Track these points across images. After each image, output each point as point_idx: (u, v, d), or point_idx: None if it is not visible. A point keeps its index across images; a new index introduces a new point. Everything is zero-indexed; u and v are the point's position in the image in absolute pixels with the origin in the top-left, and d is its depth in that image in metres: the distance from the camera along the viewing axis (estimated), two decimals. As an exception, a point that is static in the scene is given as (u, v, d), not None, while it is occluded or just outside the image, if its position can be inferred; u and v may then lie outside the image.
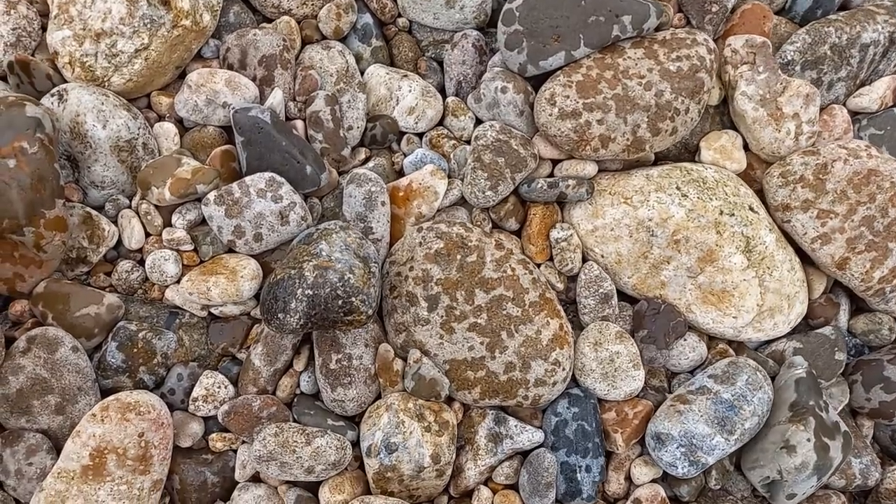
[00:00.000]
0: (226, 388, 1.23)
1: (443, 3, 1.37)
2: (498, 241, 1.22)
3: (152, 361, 1.20)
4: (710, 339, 1.33)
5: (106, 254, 1.28)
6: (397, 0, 1.42)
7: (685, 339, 1.29)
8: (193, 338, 1.25)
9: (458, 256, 1.20)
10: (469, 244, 1.20)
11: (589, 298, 1.28)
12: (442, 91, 1.39)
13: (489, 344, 1.19)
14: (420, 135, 1.38)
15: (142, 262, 1.28)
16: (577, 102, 1.24)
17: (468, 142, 1.36)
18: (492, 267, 1.20)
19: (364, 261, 1.15)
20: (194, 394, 1.21)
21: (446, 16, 1.38)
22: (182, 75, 1.35)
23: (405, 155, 1.37)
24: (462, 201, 1.34)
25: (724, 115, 1.43)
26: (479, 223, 1.30)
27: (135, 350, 1.19)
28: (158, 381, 1.22)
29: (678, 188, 1.28)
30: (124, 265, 1.26)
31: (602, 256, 1.30)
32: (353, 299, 1.10)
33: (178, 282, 1.26)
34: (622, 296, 1.33)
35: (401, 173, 1.37)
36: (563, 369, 1.22)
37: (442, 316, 1.20)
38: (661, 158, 1.41)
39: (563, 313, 1.24)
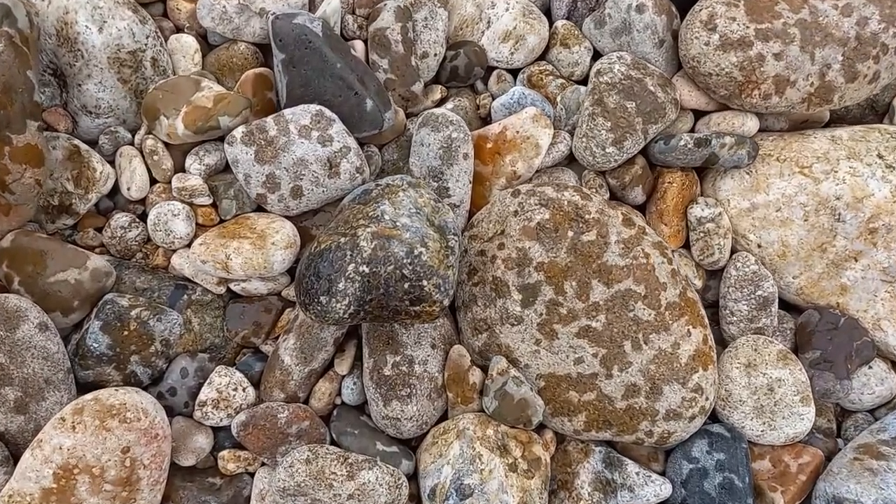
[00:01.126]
0: (244, 390, 0.92)
1: None
2: (626, 216, 0.88)
3: (149, 349, 0.90)
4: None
5: (98, 203, 0.98)
6: None
7: (870, 367, 0.94)
8: (205, 321, 0.95)
9: (570, 233, 0.87)
10: (586, 216, 0.87)
11: (740, 303, 0.94)
12: (548, 13, 1.05)
13: (606, 357, 0.87)
14: (515, 71, 1.05)
15: (143, 217, 0.97)
16: (747, 28, 0.89)
17: (582, 81, 1.02)
18: (617, 250, 0.86)
19: (440, 231, 0.82)
20: (202, 396, 0.91)
21: (560, -88, 1.04)
22: (209, -24, 1.03)
23: (493, 97, 1.03)
24: (569, 161, 1.00)
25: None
26: (594, 191, 0.96)
27: (126, 333, 0.89)
28: (155, 376, 0.92)
29: (880, 156, 0.92)
30: (120, 219, 0.95)
31: (759, 246, 0.96)
32: (425, 283, 0.78)
33: (188, 245, 0.95)
34: (781, 303, 0.98)
35: (486, 121, 1.04)
36: (706, 398, 0.88)
37: (541, 314, 0.88)
38: (834, 120, 1.05)
39: (706, 321, 0.90)
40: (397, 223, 0.82)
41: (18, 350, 0.84)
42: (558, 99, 1.00)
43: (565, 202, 0.88)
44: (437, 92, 1.05)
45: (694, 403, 0.87)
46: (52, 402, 0.86)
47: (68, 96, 0.97)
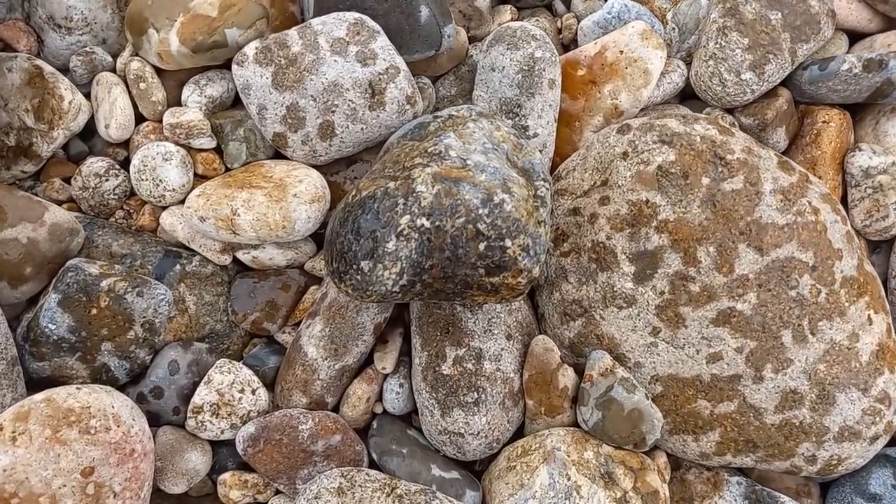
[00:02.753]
0: (254, 392, 0.69)
1: None
2: (782, 159, 0.65)
3: (126, 335, 0.67)
4: None
5: (67, 144, 0.76)
6: None
7: None
8: (204, 300, 0.72)
9: (706, 180, 0.63)
10: (728, 157, 0.64)
11: (924, 282, 0.70)
12: (651, -90, 0.83)
13: (756, 353, 0.63)
14: (607, -15, 0.82)
15: (126, 164, 0.75)
16: None
17: (699, -7, 0.80)
18: (774, 203, 0.63)
19: (526, 175, 0.60)
20: (197, 399, 0.68)
21: None
22: None
23: (579, 19, 0.81)
24: (684, 97, 0.77)
25: None
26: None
27: (94, 311, 0.66)
28: (136, 371, 0.69)
29: None
30: (95, 165, 0.73)
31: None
32: (508, 243, 0.57)
33: (183, 201, 0.73)
34: (972, 283, 0.74)
35: (569, 49, 0.81)
36: (894, 411, 0.64)
37: (663, 293, 0.64)
38: None
39: (888, 305, 0.67)
40: (468, 161, 0.59)
41: (-56, 331, 0.62)
42: (669, 16, 0.77)
43: (697, 138, 0.65)
44: (507, 13, 0.82)
45: (878, 418, 0.63)
46: (-10, 405, 0.63)
47: (31, 6, 0.76)
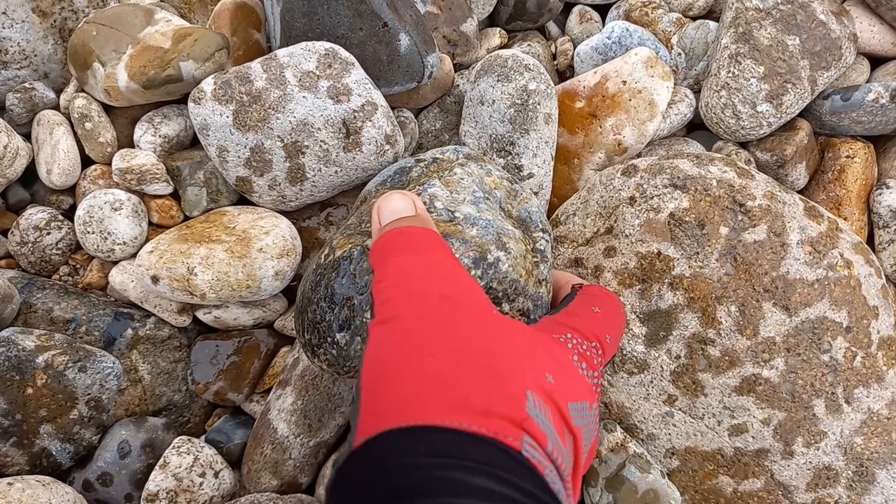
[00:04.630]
0: (216, 475, 0.62)
1: None
2: (808, 204, 0.58)
3: (68, 415, 0.59)
4: None
5: (5, 191, 0.69)
6: None
7: None
8: (159, 367, 0.65)
9: (725, 230, 0.57)
10: (749, 204, 0.57)
11: (964, 334, 0.64)
12: (652, -76, 0.76)
13: (784, 424, 0.56)
14: (604, 8, 0.76)
15: (70, 213, 0.67)
16: (974, -77, 0.61)
17: (706, 15, 0.73)
18: (802, 256, 0.56)
19: (523, 226, 0.53)
20: (151, 485, 0.60)
21: None
22: None
23: (574, 43, 0.74)
24: (692, 128, 0.71)
25: None
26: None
27: (30, 391, 0.58)
28: (80, 454, 0.62)
29: None
30: (34, 216, 0.66)
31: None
32: (507, 307, 0.49)
33: (135, 255, 0.65)
34: None
35: (565, 77, 0.75)
36: (938, 487, 0.58)
37: (678, 357, 0.58)
38: None
39: (927, 364, 0.60)
40: (456, 214, 0.51)
41: None
42: (674, 40, 0.71)
43: (714, 182, 0.58)
44: (496, 36, 0.75)
45: (921, 496, 0.57)
46: None
47: (-39, 37, 0.68)
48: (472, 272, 0.47)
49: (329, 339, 0.49)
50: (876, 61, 0.72)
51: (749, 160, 0.67)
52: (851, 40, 0.66)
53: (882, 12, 0.67)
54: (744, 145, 0.68)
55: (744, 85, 0.64)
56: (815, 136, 0.69)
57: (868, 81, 0.71)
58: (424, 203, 0.49)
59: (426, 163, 0.58)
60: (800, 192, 0.69)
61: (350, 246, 0.50)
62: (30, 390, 0.58)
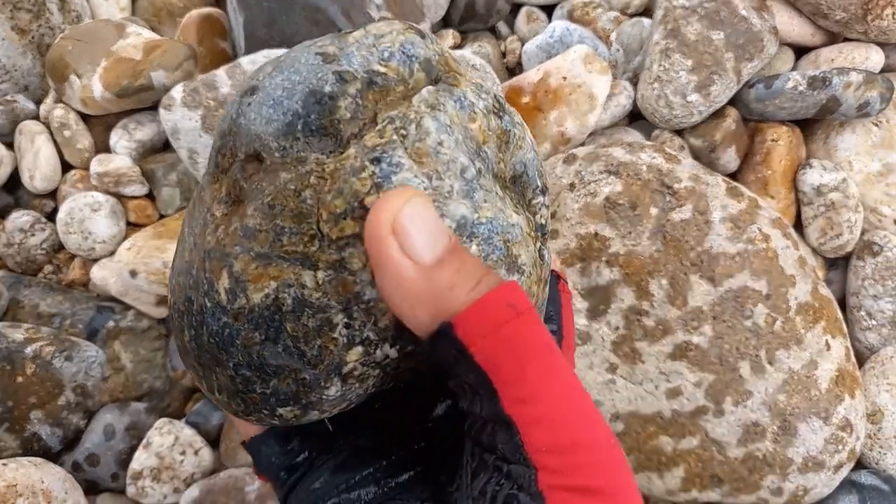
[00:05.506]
0: (196, 453, 0.67)
1: None
2: (731, 184, 0.65)
3: (56, 401, 0.65)
4: None
5: (-11, 199, 0.74)
6: None
7: None
8: (140, 356, 0.70)
9: (655, 210, 0.63)
10: (676, 186, 0.63)
11: (882, 300, 0.70)
12: (591, -71, 0.83)
13: (714, 386, 0.62)
14: (550, 7, 0.82)
15: (53, 216, 0.73)
16: (876, -77, 0.67)
17: (642, 13, 0.79)
18: (724, 231, 0.62)
19: (517, 188, 0.31)
20: (136, 464, 0.66)
21: None
22: None
23: (522, 42, 0.80)
24: (633, 118, 0.77)
25: None
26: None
27: (20, 380, 0.63)
28: (69, 438, 0.67)
29: None
30: (19, 219, 0.71)
31: (899, 222, 0.72)
32: None
33: (114, 252, 0.71)
34: (931, 296, 0.75)
35: (515, 73, 0.81)
36: (857, 438, 0.64)
37: (617, 328, 0.64)
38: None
39: (845, 328, 0.66)
40: (442, 215, 0.26)
41: None
42: (612, 37, 0.77)
43: (644, 167, 0.64)
44: (450, 38, 0.81)
45: (841, 446, 0.63)
46: None
47: (-56, 54, 0.73)
48: None
49: (266, 412, 0.29)
50: (800, 51, 0.78)
51: (682, 146, 0.73)
52: (772, 33, 0.73)
53: (800, 6, 0.74)
54: (679, 132, 0.74)
55: (674, 77, 0.70)
56: (744, 122, 0.75)
57: (793, 69, 0.77)
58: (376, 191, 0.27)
59: (358, 85, 0.26)
60: (732, 174, 0.75)
61: (274, 284, 0.26)
62: (20, 379, 0.63)
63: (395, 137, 0.25)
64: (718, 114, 0.73)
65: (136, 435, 0.67)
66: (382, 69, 0.27)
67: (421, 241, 0.23)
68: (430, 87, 0.27)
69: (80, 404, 0.66)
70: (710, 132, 0.72)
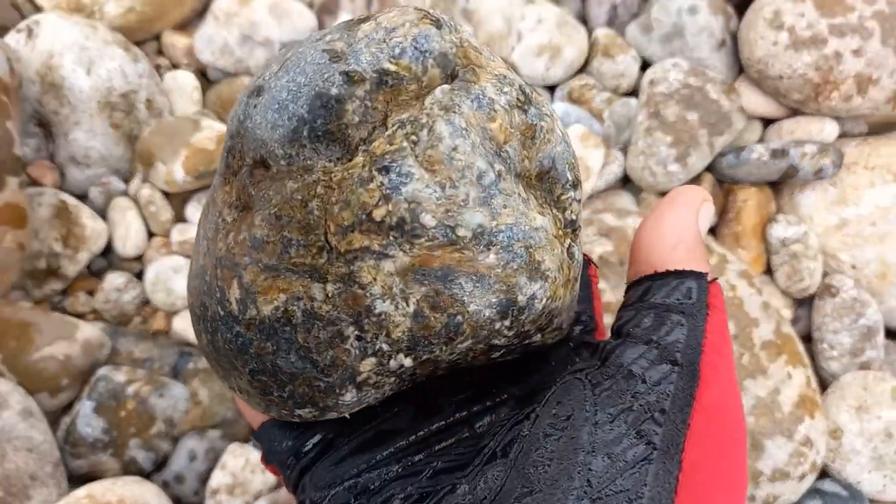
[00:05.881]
0: (263, 472, 0.81)
1: None
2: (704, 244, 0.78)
3: (150, 430, 0.79)
4: None
5: (90, 263, 0.89)
6: None
7: None
8: (214, 391, 0.84)
9: (639, 265, 0.77)
10: (656, 245, 0.77)
11: (841, 334, 0.83)
12: (584, 22, 0.98)
13: (693, 410, 0.75)
14: (552, 87, 0.97)
15: (140, 276, 0.88)
16: (819, 23, 0.81)
17: (630, 94, 0.94)
18: (697, 282, 0.76)
19: (544, 185, 0.29)
20: (213, 482, 0.80)
21: (589, -85, 0.97)
22: (206, 8, 0.97)
23: (529, 118, 0.95)
24: (623, 183, 0.91)
25: None
26: (657, 215, 0.86)
27: (123, 414, 0.78)
28: (159, 461, 0.81)
29: None
30: (115, 280, 0.87)
31: (854, 267, 0.85)
32: (538, 337, 0.29)
33: (193, 306, 0.85)
34: (887, 331, 0.87)
35: (523, 145, 0.95)
36: (817, 452, 0.76)
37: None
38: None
39: (806, 359, 0.79)
40: (458, 230, 0.24)
41: (-2, 441, 0.74)
42: (605, 114, 0.92)
43: (630, 230, 0.78)
44: (466, 117, 0.96)
45: (803, 459, 0.75)
46: (38, 502, 0.75)
47: (55, 147, 0.90)
48: (497, 325, 0.26)
49: (286, 412, 0.29)
50: (768, 121, 0.92)
51: (665, 208, 0.87)
52: (740, 112, 0.86)
53: (764, 88, 0.87)
54: (663, 195, 0.88)
55: (656, 151, 0.84)
56: (720, 184, 0.89)
57: (761, 138, 0.91)
58: (400, 219, 0.24)
59: (367, 86, 0.25)
60: (711, 229, 0.89)
61: (284, 297, 0.26)
62: (123, 413, 0.78)
63: (405, 144, 0.24)
64: (696, 179, 0.87)
65: (213, 457, 0.82)
66: (393, 67, 0.25)
67: (704, 225, 0.31)
68: (444, 87, 0.25)
69: (168, 433, 0.81)
70: (688, 195, 0.86)
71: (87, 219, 0.87)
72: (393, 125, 0.25)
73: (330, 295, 0.25)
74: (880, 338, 0.84)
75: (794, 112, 0.89)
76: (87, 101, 0.86)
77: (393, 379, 0.28)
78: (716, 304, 0.28)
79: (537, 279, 0.26)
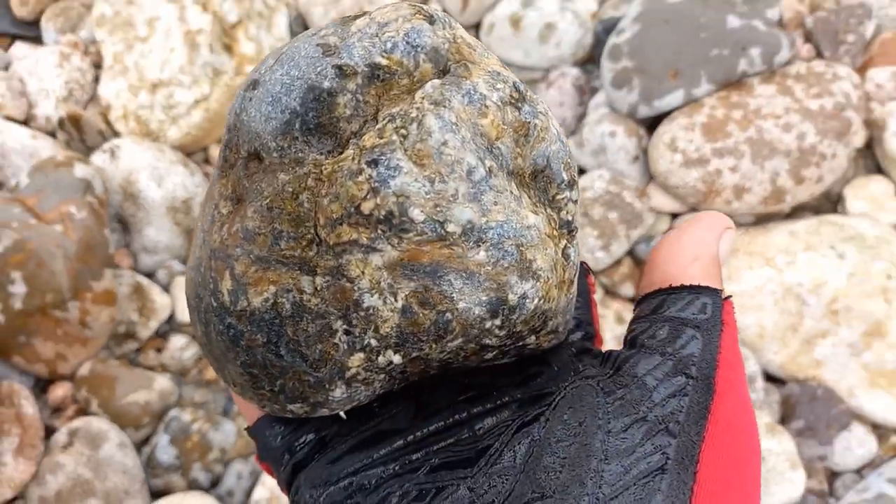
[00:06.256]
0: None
1: (535, 38, 1.26)
2: (619, 315, 1.06)
3: (208, 457, 1.07)
4: (880, 431, 1.13)
5: (158, 328, 1.17)
6: (479, 38, 1.31)
7: (849, 431, 1.09)
8: (254, 428, 1.12)
9: (569, 332, 1.04)
10: (582, 317, 1.05)
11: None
12: (536, 137, 1.26)
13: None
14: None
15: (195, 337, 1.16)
16: (704, 147, 1.10)
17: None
18: (616, 347, 1.03)
19: (539, 184, 0.28)
20: (255, 496, 1.07)
21: (539, 52, 1.27)
22: (244, 126, 1.26)
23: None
24: (565, 264, 1.19)
25: (867, 159, 1.26)
26: (588, 290, 1.14)
27: (189, 444, 1.06)
28: (214, 480, 1.08)
29: (832, 247, 1.10)
30: (177, 341, 1.14)
31: (740, 329, 1.13)
32: (533, 339, 0.29)
33: (237, 361, 1.13)
34: (768, 377, 1.14)
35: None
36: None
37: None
38: (796, 209, 1.24)
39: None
40: (447, 225, 0.24)
41: (102, 467, 1.01)
42: (551, 211, 1.20)
43: (562, 305, 1.06)
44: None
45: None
46: (129, 511, 1.02)
47: (130, 238, 1.18)
48: (487, 324, 0.26)
49: (277, 406, 0.30)
50: (676, 215, 1.20)
51: (594, 284, 1.15)
52: (650, 210, 1.15)
53: (670, 193, 1.16)
54: (596, 274, 1.16)
55: (586, 242, 1.13)
56: (637, 265, 1.17)
57: (669, 228, 1.19)
58: (389, 212, 0.24)
59: (359, 80, 0.26)
60: (630, 299, 1.16)
61: (273, 289, 0.26)
62: (189, 444, 1.06)
63: (394, 137, 0.24)
64: (618, 263, 1.15)
65: (255, 477, 1.09)
66: (385, 61, 0.26)
67: (724, 249, 0.31)
68: (435, 81, 0.26)
69: (221, 458, 1.08)
70: (611, 274, 1.14)
71: (157, 294, 1.15)
72: (383, 119, 0.25)
73: (319, 288, 0.25)
74: (759, 383, 1.11)
75: (693, 208, 1.17)
76: (158, 208, 1.14)
77: (383, 376, 0.27)
78: (729, 321, 0.29)
79: (528, 278, 0.26)
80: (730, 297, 0.30)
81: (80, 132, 1.17)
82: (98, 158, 1.15)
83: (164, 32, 1.15)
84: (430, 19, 0.26)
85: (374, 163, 0.24)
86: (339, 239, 0.24)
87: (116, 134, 1.20)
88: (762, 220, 1.20)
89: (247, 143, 0.27)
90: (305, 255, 0.25)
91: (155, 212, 1.14)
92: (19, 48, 1.24)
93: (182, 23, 1.15)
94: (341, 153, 0.25)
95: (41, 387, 1.11)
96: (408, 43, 0.26)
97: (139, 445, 1.09)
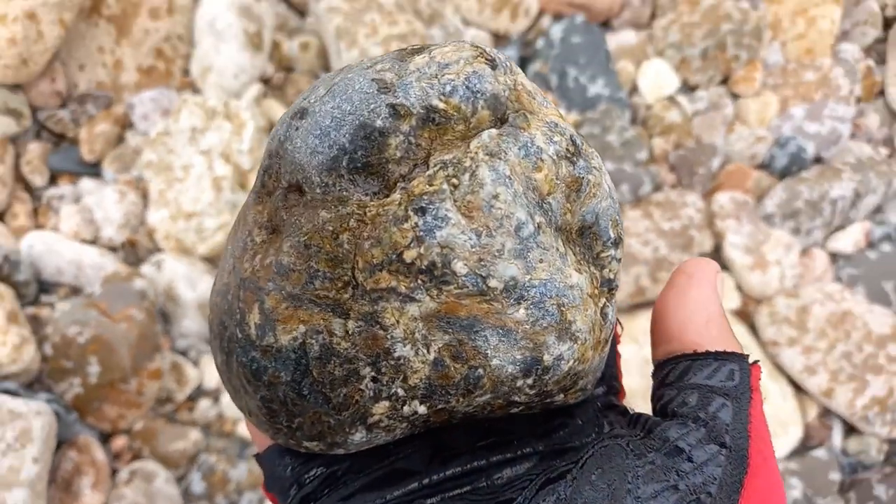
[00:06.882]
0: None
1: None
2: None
3: (227, 488, 1.49)
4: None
5: (190, 393, 1.60)
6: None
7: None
8: (261, 467, 1.55)
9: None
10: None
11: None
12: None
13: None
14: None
15: (217, 400, 1.58)
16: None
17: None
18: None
19: (584, 241, 0.30)
20: (262, 517, 1.49)
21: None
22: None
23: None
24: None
25: (716, 259, 1.72)
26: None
27: (214, 479, 1.48)
28: (232, 506, 1.50)
29: (675, 331, 1.55)
30: (203, 403, 1.57)
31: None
32: (561, 397, 0.30)
33: (249, 418, 1.56)
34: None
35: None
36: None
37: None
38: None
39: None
40: (489, 280, 0.25)
41: (154, 496, 1.43)
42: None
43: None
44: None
45: None
46: (172, 528, 1.44)
47: (170, 327, 1.61)
48: (519, 382, 0.26)
49: (293, 442, 0.29)
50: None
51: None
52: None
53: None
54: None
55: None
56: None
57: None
58: (431, 263, 0.24)
59: (413, 121, 0.26)
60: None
61: (304, 329, 0.26)
62: (214, 479, 1.48)
63: (444, 186, 0.24)
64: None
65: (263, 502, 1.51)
66: (442, 105, 0.26)
67: (721, 293, 0.32)
68: (492, 131, 0.26)
69: (238, 490, 1.50)
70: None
71: (189, 369, 1.58)
72: (435, 165, 0.25)
73: (350, 332, 0.26)
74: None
75: (581, 302, 1.62)
76: (191, 305, 1.58)
77: (405, 424, 0.28)
78: (756, 387, 0.28)
79: (566, 340, 0.26)
80: (757, 361, 0.29)
81: (134, 249, 1.61)
82: (147, 269, 1.59)
83: (196, 177, 1.60)
84: (493, 64, 0.26)
85: (421, 211, 0.24)
86: (377, 285, 0.25)
87: (160, 250, 1.64)
88: (631, 309, 1.65)
89: (289, 174, 0.27)
90: (340, 297, 0.25)
91: (189, 308, 1.57)
92: (85, 184, 1.68)
93: (210, 171, 1.60)
94: (387, 196, 0.25)
95: (104, 439, 1.53)
96: (468, 88, 0.26)
97: (179, 480, 1.50)
